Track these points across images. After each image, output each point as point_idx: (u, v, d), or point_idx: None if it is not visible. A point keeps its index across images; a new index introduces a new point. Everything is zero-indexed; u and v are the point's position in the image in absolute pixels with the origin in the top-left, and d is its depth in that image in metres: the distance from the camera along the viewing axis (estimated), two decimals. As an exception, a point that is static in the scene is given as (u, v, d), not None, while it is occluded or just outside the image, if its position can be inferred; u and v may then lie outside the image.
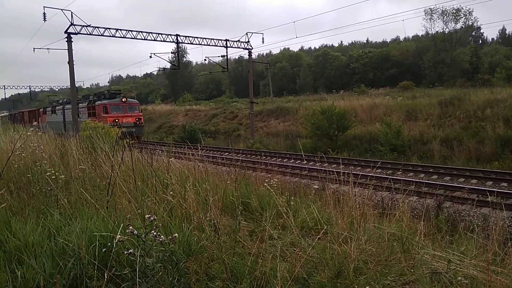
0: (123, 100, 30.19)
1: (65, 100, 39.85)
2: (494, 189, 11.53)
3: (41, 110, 43.82)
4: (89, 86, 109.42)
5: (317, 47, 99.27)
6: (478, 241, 3.89)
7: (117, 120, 27.35)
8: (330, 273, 3.03)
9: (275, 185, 5.11)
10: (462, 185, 12.62)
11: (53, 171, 4.80)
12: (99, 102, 30.58)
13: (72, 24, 24.51)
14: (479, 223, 6.32)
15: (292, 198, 4.80)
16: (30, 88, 68.19)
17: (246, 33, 31.84)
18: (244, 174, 6.58)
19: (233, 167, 7.34)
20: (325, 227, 3.73)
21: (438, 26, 57.24)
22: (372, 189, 8.91)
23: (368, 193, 6.22)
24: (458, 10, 52.94)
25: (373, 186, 9.45)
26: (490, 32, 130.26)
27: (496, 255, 3.46)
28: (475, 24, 57.46)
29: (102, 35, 26.12)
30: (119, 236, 2.65)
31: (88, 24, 25.24)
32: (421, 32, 74.71)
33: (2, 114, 63.22)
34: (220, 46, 31.44)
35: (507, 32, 78.58)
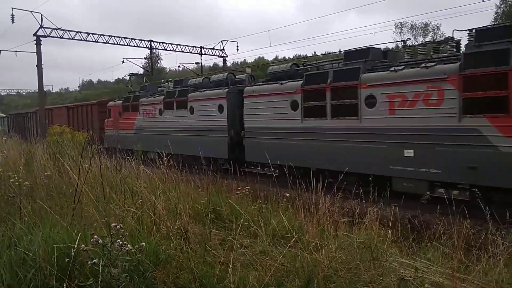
0: None
1: (214, 79, 17.50)
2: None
3: (116, 102, 21.20)
4: (58, 91, 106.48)
5: (291, 57, 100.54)
6: (444, 249, 3.98)
7: None
8: (300, 281, 3.02)
9: (247, 192, 5.10)
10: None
11: (16, 177, 4.61)
12: None
13: (41, 26, 23.87)
14: (445, 231, 6.48)
15: (264, 206, 4.79)
16: (-5, 92, 65.30)
17: (221, 41, 31.86)
18: (215, 182, 6.54)
19: (205, 175, 7.28)
20: (296, 235, 3.73)
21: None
22: (342, 197, 9.00)
23: (338, 201, 6.28)
24: (426, 24, 54.86)
25: (344, 194, 9.54)
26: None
27: (461, 263, 3.55)
28: (442, 38, 59.77)
29: (73, 38, 25.54)
30: (83, 245, 2.55)
31: (59, 27, 24.66)
32: (391, 45, 76.98)
33: None
34: (195, 53, 31.34)
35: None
